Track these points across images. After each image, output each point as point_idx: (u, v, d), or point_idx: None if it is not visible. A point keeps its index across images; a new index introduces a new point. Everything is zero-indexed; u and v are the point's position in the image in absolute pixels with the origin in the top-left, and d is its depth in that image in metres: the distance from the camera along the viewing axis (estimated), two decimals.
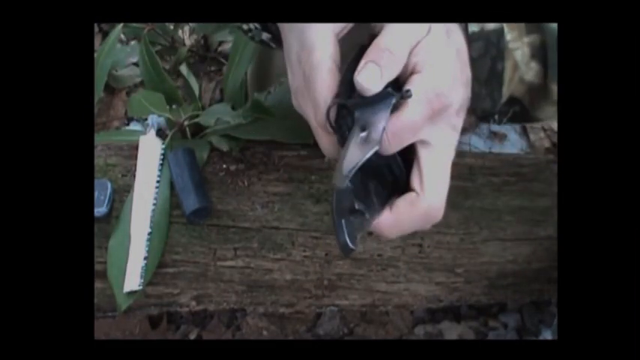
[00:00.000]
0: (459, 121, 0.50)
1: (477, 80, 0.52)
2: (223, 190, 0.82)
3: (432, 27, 0.48)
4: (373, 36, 0.47)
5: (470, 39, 0.50)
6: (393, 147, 0.46)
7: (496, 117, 0.57)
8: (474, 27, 0.51)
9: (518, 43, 0.52)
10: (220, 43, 1.31)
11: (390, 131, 0.45)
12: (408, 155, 0.49)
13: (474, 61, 0.51)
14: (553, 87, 0.53)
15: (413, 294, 0.84)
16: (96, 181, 0.79)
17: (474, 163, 0.89)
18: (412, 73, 0.47)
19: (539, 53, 0.52)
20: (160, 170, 0.81)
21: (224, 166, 0.83)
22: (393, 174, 0.49)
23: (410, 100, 0.45)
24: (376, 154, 0.44)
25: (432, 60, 0.46)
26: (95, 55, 0.89)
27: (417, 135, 0.47)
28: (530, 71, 0.53)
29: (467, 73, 0.50)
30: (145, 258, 0.77)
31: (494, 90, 0.52)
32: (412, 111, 0.45)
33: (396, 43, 0.46)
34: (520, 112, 0.56)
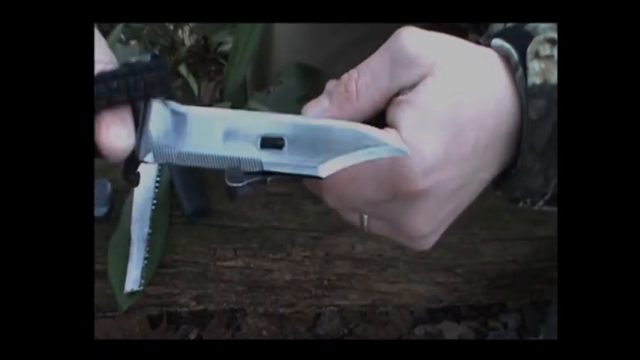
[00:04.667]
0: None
1: (532, 150, 0.40)
2: (223, 190, 0.82)
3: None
4: None
5: (529, 94, 0.39)
6: None
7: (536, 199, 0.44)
8: (535, 78, 0.39)
9: None
10: (220, 43, 1.31)
11: None
12: None
13: (532, 125, 0.40)
14: None
15: (413, 294, 0.84)
16: (96, 181, 0.79)
17: None
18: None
19: None
20: (160, 170, 0.81)
21: None
22: None
23: None
24: None
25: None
26: None
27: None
28: None
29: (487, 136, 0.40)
30: (145, 258, 0.77)
31: (551, 165, 0.41)
32: None
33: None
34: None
